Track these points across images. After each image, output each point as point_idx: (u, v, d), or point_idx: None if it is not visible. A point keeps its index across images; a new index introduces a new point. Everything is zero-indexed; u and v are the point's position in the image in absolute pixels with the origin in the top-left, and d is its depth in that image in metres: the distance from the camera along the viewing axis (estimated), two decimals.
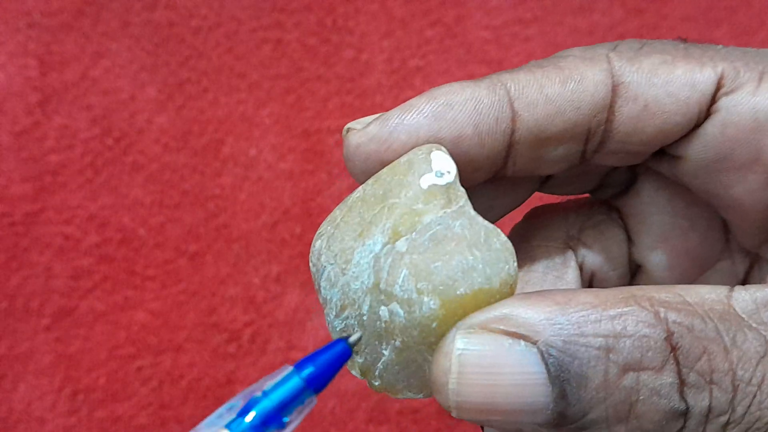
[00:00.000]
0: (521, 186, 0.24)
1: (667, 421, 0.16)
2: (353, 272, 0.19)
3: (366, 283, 0.19)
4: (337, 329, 0.20)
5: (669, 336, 0.16)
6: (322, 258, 0.21)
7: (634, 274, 0.25)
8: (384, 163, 0.21)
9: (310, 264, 0.21)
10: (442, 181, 0.19)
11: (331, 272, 0.20)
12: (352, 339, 0.18)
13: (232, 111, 0.45)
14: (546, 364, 0.16)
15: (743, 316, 0.17)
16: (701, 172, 0.21)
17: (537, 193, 0.26)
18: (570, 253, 0.24)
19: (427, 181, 0.19)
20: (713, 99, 0.20)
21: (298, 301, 0.42)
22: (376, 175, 0.21)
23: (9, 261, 0.41)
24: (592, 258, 0.25)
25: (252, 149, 0.44)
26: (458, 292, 0.18)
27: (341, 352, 0.18)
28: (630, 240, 0.25)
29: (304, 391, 0.18)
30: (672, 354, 0.16)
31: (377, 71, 0.46)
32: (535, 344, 0.17)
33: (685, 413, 0.16)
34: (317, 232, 0.21)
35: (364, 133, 0.21)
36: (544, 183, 0.25)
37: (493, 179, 0.23)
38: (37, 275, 0.41)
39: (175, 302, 0.42)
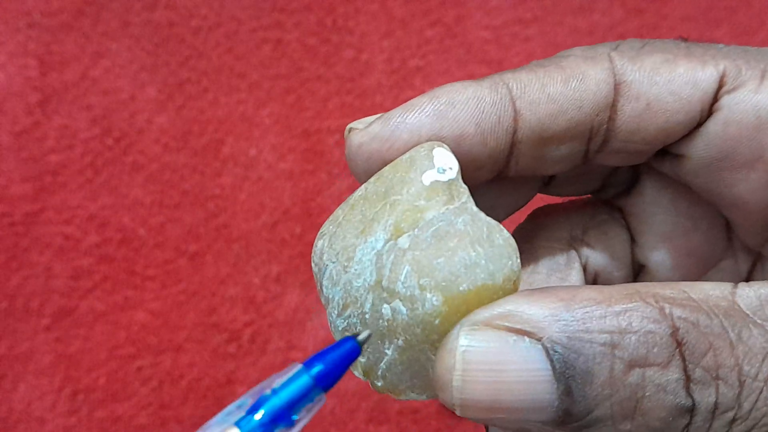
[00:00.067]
0: (524, 186, 0.24)
1: (674, 417, 0.16)
2: (355, 270, 0.19)
3: (368, 280, 0.19)
4: (340, 329, 0.20)
5: (674, 332, 0.16)
6: (324, 257, 0.21)
7: (637, 274, 0.25)
8: (386, 162, 0.21)
9: (312, 264, 0.21)
10: (444, 178, 0.19)
11: (333, 270, 0.20)
12: (361, 337, 0.18)
13: (232, 111, 0.45)
14: (551, 361, 0.16)
15: (748, 312, 0.17)
16: (704, 171, 0.21)
17: (540, 195, 0.26)
18: (573, 254, 0.24)
19: (429, 177, 0.19)
20: (715, 97, 0.20)
21: (298, 301, 0.42)
22: (378, 173, 0.21)
23: (9, 261, 0.41)
24: (596, 258, 0.25)
25: (252, 149, 0.44)
26: (461, 289, 0.18)
27: (350, 350, 0.18)
28: (633, 240, 0.25)
29: (313, 389, 0.17)
30: (678, 350, 0.16)
31: (377, 71, 0.46)
32: (540, 341, 0.16)
33: (691, 409, 0.16)
34: (319, 232, 0.21)
35: (366, 132, 0.21)
36: (547, 184, 0.25)
37: (496, 179, 0.23)
38: (37, 275, 0.41)
39: (175, 302, 0.41)
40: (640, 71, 0.21)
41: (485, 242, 0.18)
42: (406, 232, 0.19)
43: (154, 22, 0.46)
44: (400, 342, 0.19)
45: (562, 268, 0.24)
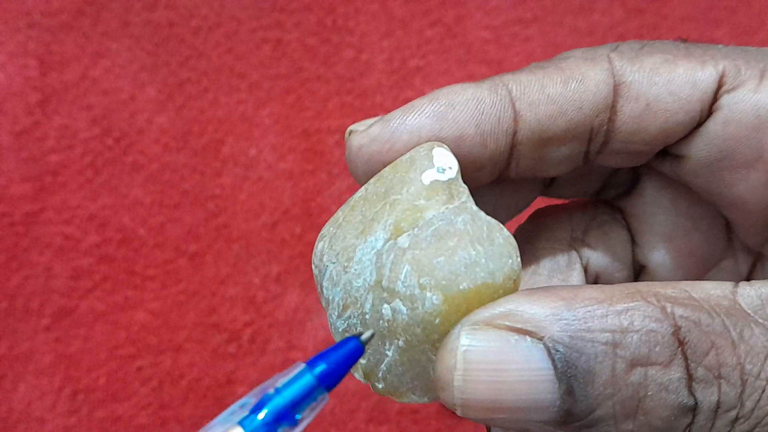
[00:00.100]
0: (525, 189, 0.24)
1: (676, 416, 0.16)
2: (355, 269, 0.19)
3: (368, 280, 0.19)
4: (340, 330, 0.20)
5: (676, 331, 0.16)
6: (324, 258, 0.20)
7: (637, 274, 0.25)
8: (386, 164, 0.21)
9: (313, 266, 0.21)
10: (443, 177, 0.19)
11: (333, 271, 0.20)
12: (364, 336, 0.18)
13: (232, 111, 0.45)
14: (552, 360, 0.16)
15: (749, 311, 0.17)
16: (704, 171, 0.21)
17: (540, 195, 0.26)
18: (574, 255, 0.24)
19: (428, 177, 0.19)
20: (715, 97, 0.20)
21: (298, 301, 0.42)
22: (378, 174, 0.21)
23: (9, 261, 0.41)
24: (597, 259, 0.25)
25: (252, 149, 0.44)
26: (461, 287, 0.18)
27: (353, 350, 0.18)
28: (633, 241, 0.25)
29: (316, 388, 0.18)
30: (680, 349, 0.16)
31: (377, 71, 0.46)
32: (542, 340, 0.16)
33: (693, 408, 0.16)
34: (320, 234, 0.21)
35: (366, 134, 0.21)
36: (548, 186, 0.25)
37: (497, 181, 0.23)
38: (37, 275, 0.41)
39: (175, 302, 0.41)
40: (640, 72, 0.21)
41: (485, 241, 0.18)
42: (405, 231, 0.19)
43: (154, 22, 0.46)
44: (400, 343, 0.19)
45: (563, 269, 0.24)
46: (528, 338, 0.17)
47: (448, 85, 0.21)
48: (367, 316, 0.19)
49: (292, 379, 0.18)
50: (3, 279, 0.41)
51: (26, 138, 0.43)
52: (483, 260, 0.18)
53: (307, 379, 0.18)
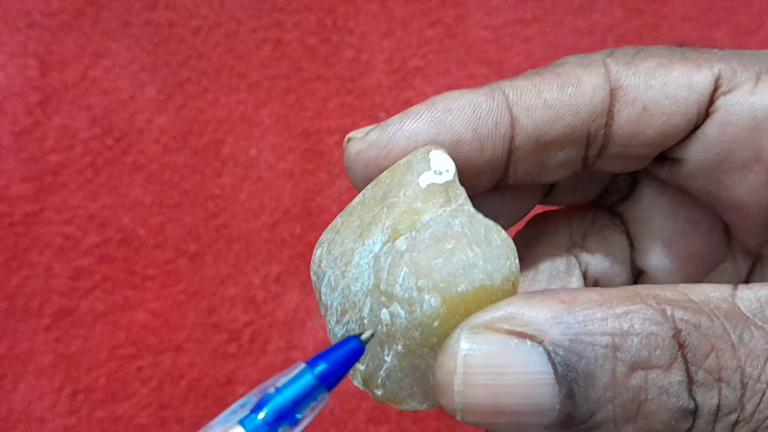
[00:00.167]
0: (524, 196, 0.24)
1: (676, 420, 0.16)
2: (353, 273, 0.19)
3: (366, 284, 0.19)
4: (338, 335, 0.20)
5: (676, 334, 0.16)
6: (323, 264, 0.20)
7: (636, 279, 0.25)
8: (384, 170, 0.21)
9: (311, 273, 0.21)
10: (440, 180, 0.19)
11: (332, 276, 0.20)
12: (364, 336, 0.18)
13: (232, 111, 0.45)
14: (553, 364, 0.16)
15: (748, 314, 0.17)
16: (702, 174, 0.21)
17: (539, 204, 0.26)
18: (573, 261, 0.24)
19: (426, 179, 0.19)
20: (711, 99, 0.20)
21: (298, 301, 0.42)
22: (376, 179, 0.21)
23: (9, 261, 0.41)
24: (596, 264, 0.25)
25: (252, 149, 0.44)
26: (459, 289, 0.17)
27: (354, 350, 0.18)
28: (632, 245, 0.25)
29: (316, 388, 0.18)
30: (680, 352, 0.16)
31: (377, 71, 0.46)
32: (541, 344, 0.16)
33: (694, 412, 0.16)
34: (318, 241, 0.21)
35: (363, 140, 0.21)
36: (547, 195, 0.25)
37: (496, 188, 0.23)
38: (37, 275, 0.41)
39: (175, 302, 0.41)
40: (636, 76, 0.21)
41: (483, 243, 0.18)
42: (403, 234, 0.19)
43: (154, 22, 0.46)
44: (399, 348, 0.18)
45: (562, 275, 0.24)
46: (528, 342, 0.16)
47: (448, 85, 0.21)
48: (366, 321, 0.19)
49: (292, 379, 0.18)
50: (3, 279, 0.41)
51: (26, 138, 0.43)
52: (481, 262, 0.18)
53: (308, 379, 0.18)
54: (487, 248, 0.18)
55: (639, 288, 0.17)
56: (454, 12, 0.47)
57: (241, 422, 0.17)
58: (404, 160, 0.20)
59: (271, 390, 0.17)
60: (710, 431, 0.16)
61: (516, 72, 0.43)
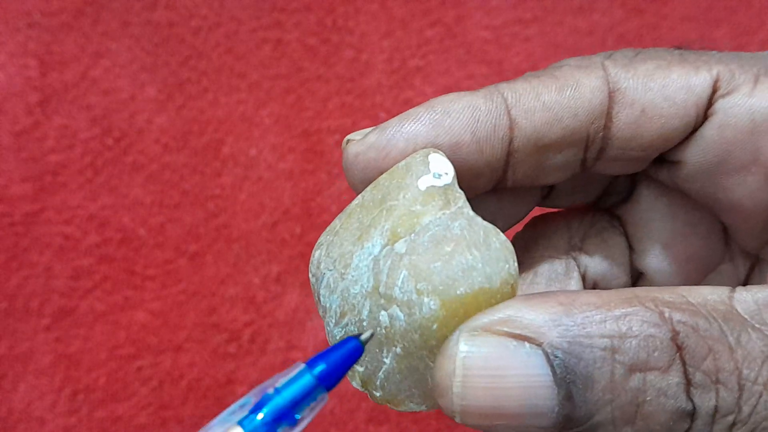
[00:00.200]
0: (523, 198, 0.24)
1: (674, 421, 0.16)
2: (352, 276, 0.19)
3: (365, 286, 0.19)
4: (337, 338, 0.20)
5: (674, 336, 0.16)
6: (322, 266, 0.20)
7: (635, 281, 0.25)
8: (382, 172, 0.21)
9: (310, 275, 0.21)
10: (440, 183, 0.19)
11: (330, 278, 0.20)
12: (363, 336, 0.18)
13: (232, 111, 0.45)
14: (551, 366, 0.16)
15: (745, 316, 0.17)
16: (700, 176, 0.21)
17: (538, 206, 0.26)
18: (572, 264, 0.24)
19: (425, 182, 0.19)
20: (710, 102, 0.21)
21: (298, 301, 0.42)
22: (375, 181, 0.21)
23: (9, 261, 0.41)
24: (595, 267, 0.25)
25: (252, 149, 0.44)
26: (458, 292, 0.17)
27: (353, 350, 0.18)
28: (631, 248, 0.25)
29: (316, 388, 0.18)
30: (678, 354, 0.16)
31: (377, 71, 0.46)
32: (540, 346, 0.16)
33: (692, 414, 0.16)
34: (317, 243, 0.21)
35: (362, 142, 0.21)
36: (546, 197, 0.25)
37: (495, 191, 0.23)
38: (37, 275, 0.41)
39: (175, 302, 0.41)
40: (634, 78, 0.21)
41: (482, 246, 0.18)
42: (402, 237, 0.19)
43: (154, 22, 0.46)
44: (398, 350, 0.19)
45: (561, 277, 0.24)
46: (527, 344, 0.16)
47: (448, 85, 0.21)
48: (365, 323, 0.19)
49: (291, 379, 0.18)
50: (3, 279, 0.41)
51: (26, 138, 0.43)
52: (480, 265, 0.18)
53: (307, 379, 0.18)
54: (486, 251, 0.18)
55: (637, 290, 0.17)
56: (454, 12, 0.47)
57: (241, 423, 0.17)
58: (403, 162, 0.20)
59: (271, 390, 0.17)
60: None
61: (516, 72, 0.43)
